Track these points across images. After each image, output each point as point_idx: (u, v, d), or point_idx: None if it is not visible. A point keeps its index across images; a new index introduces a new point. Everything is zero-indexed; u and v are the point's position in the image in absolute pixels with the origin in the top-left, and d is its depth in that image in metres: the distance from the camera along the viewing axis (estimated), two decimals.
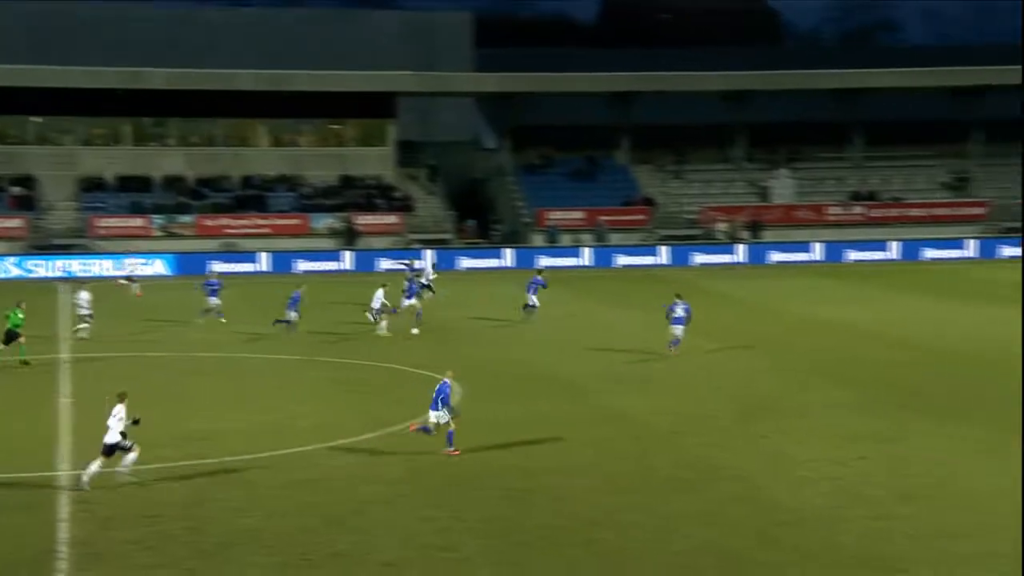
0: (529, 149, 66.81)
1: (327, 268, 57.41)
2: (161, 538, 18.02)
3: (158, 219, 59.90)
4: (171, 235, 59.33)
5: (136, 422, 20.35)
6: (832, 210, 63.63)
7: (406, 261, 46.44)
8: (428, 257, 44.94)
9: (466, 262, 58.40)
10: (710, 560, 17.06)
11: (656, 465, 21.90)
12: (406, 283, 38.65)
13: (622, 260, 58.90)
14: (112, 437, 20.02)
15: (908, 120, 67.72)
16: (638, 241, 61.25)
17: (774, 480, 20.81)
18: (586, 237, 61.50)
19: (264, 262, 57.28)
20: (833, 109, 67.87)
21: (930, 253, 59.39)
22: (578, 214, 62.47)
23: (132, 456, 20.17)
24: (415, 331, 36.36)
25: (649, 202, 64.14)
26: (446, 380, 23.08)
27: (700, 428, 24.58)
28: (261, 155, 65.32)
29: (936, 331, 36.40)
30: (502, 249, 59.88)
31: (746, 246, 60.22)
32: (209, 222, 60.23)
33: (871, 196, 64.39)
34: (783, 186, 65.31)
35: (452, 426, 22.66)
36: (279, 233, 60.33)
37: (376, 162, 65.74)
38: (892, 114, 67.05)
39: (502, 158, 67.05)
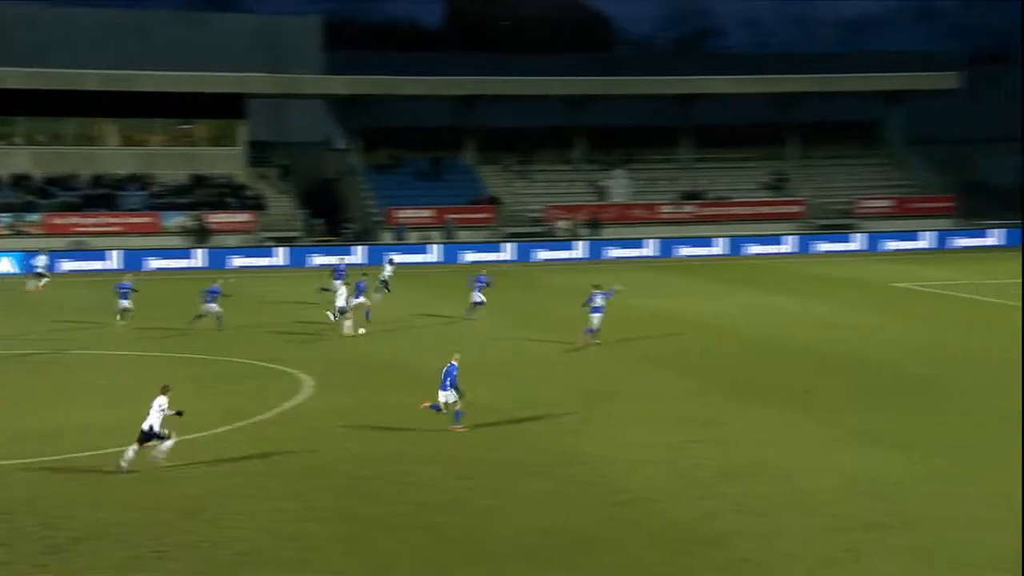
0: (379, 150, 66.52)
1: (178, 266, 56.28)
2: (12, 534, 17.42)
3: (5, 218, 57.85)
4: (19, 233, 57.35)
5: (179, 414, 20.62)
6: (664, 208, 64.95)
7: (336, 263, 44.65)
8: (386, 258, 44.83)
9: (318, 259, 57.93)
10: (552, 539, 17.28)
11: (501, 451, 22.06)
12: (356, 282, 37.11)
13: (469, 256, 59.10)
14: (147, 425, 20.18)
15: (733, 124, 69.58)
16: (485, 238, 61.56)
17: (613, 463, 21.17)
18: (435, 234, 61.56)
19: (115, 260, 55.80)
20: (665, 113, 69.31)
21: (753, 248, 61.11)
22: (427, 212, 62.50)
23: (168, 444, 20.39)
24: (362, 330, 35.07)
25: (495, 201, 64.49)
26: (453, 362, 23.43)
27: (544, 415, 24.83)
28: (111, 154, 63.47)
29: (758, 321, 37.47)
30: (353, 246, 59.51)
31: (586, 242, 61.07)
32: (58, 220, 58.43)
33: (699, 195, 65.94)
34: (619, 186, 66.41)
35: (459, 406, 23.20)
36: (130, 231, 58.83)
37: (227, 161, 64.60)
38: (718, 118, 68.78)
39: (352, 158, 66.59)
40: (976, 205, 65.97)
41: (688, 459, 21.35)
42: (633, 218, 64.21)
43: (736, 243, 61.30)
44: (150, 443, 20.29)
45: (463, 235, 61.52)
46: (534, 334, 34.99)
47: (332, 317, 35.26)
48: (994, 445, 22.13)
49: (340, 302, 35.15)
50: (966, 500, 18.82)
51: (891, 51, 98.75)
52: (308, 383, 28.19)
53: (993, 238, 62.30)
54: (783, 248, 61.66)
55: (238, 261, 57.42)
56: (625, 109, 69.76)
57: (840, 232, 63.03)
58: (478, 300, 38.06)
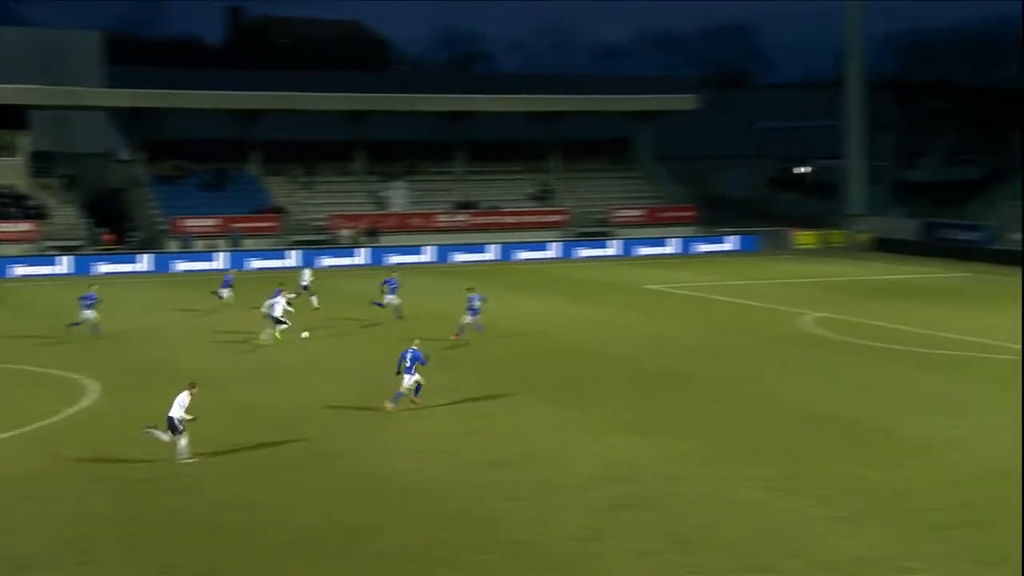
0: (164, 161, 64.21)
1: None
2: None
3: None
4: None
5: (193, 419, 20.47)
6: (440, 217, 65.17)
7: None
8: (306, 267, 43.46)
9: (104, 267, 55.47)
10: (329, 531, 16.99)
11: (282, 450, 21.58)
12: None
13: (255, 263, 57.77)
14: (175, 412, 20.29)
15: (502, 140, 70.54)
16: (270, 246, 60.30)
17: (393, 456, 21.02)
18: (220, 243, 59.87)
19: None
20: (440, 128, 69.59)
21: (522, 255, 62.02)
22: (212, 222, 60.75)
23: (184, 441, 20.33)
24: (305, 334, 33.24)
25: (280, 210, 63.24)
26: (415, 348, 24.37)
27: (323, 413, 24.44)
28: None
29: (530, 322, 38.00)
30: (138, 255, 57.27)
31: (367, 249, 60.61)
32: None
33: (472, 205, 66.48)
34: (399, 196, 66.25)
35: (422, 381, 24.28)
36: None
37: (8, 172, 61.09)
38: (489, 134, 69.59)
39: (137, 169, 64.06)
40: (715, 214, 68.99)
41: (462, 451, 21.42)
42: (411, 227, 64.17)
43: (506, 250, 62.08)
44: (180, 431, 20.30)
45: (249, 243, 60.10)
46: (320, 336, 34.41)
47: (273, 329, 33.36)
48: (735, 430, 23.10)
49: (277, 312, 33.35)
50: (705, 480, 19.55)
51: (641, 75, 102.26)
52: (93, 388, 26.86)
53: (730, 244, 65.23)
54: (549, 254, 62.82)
55: (20, 270, 54.39)
56: (403, 125, 69.67)
57: (599, 239, 64.75)
58: (388, 302, 37.32)
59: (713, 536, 16.68)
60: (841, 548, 16.14)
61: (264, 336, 33.24)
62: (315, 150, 66.95)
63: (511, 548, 16.32)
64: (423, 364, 24.49)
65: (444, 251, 61.24)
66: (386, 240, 62.36)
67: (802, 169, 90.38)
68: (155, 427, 20.55)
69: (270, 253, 59.11)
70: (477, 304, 33.46)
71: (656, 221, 66.90)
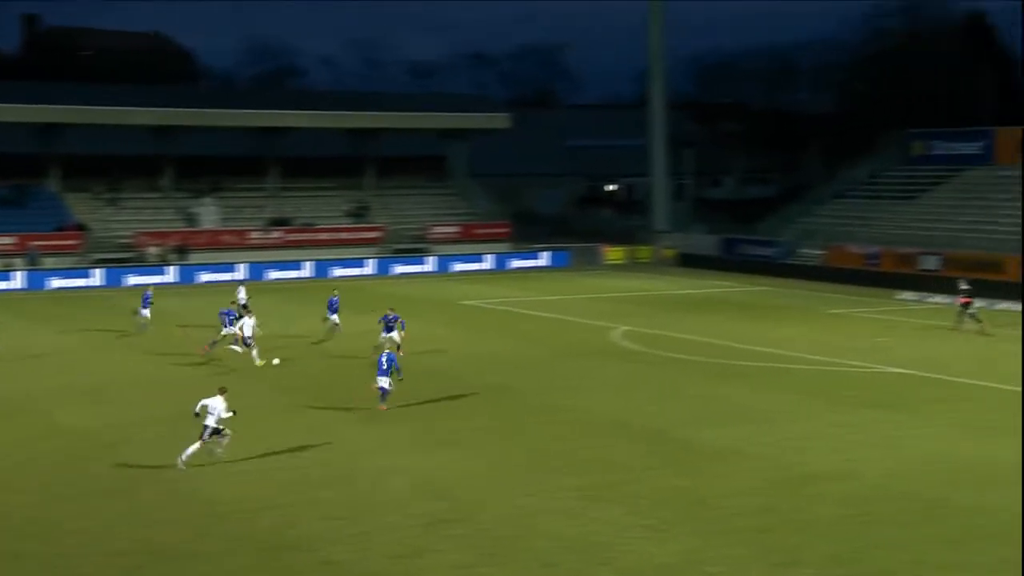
0: None
1: None
2: None
3: None
4: None
5: (233, 413, 21.51)
6: (253, 234, 64.05)
7: None
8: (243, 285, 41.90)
9: None
10: (143, 556, 16.59)
11: (96, 474, 20.89)
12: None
13: (55, 283, 55.43)
14: (211, 421, 21.12)
15: (317, 156, 69.89)
16: (71, 264, 57.95)
17: (212, 478, 20.66)
18: (17, 261, 57.19)
19: None
20: (252, 144, 68.42)
21: (338, 271, 61.59)
22: (9, 240, 57.98)
23: (226, 440, 21.39)
24: (276, 361, 31.95)
25: (82, 228, 60.84)
26: (389, 351, 26.82)
27: (142, 435, 23.78)
28: None
29: (346, 339, 37.78)
30: None
31: (176, 267, 58.99)
32: None
33: (287, 222, 65.62)
34: (209, 213, 64.74)
35: (392, 388, 25.72)
36: None
37: None
38: (303, 150, 68.82)
39: None
40: (528, 231, 70.21)
41: (282, 470, 21.22)
42: (223, 244, 62.82)
43: (322, 266, 61.52)
44: (212, 439, 21.24)
45: (49, 261, 57.60)
46: (134, 356, 33.35)
47: (238, 349, 32.41)
48: (550, 442, 23.65)
49: (247, 331, 32.14)
50: (521, 492, 19.98)
51: (454, 93, 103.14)
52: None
53: (543, 260, 66.49)
54: (365, 271, 62.58)
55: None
56: (213, 140, 68.15)
57: (415, 255, 64.95)
58: (333, 322, 36.73)
59: (527, 547, 17.09)
60: (649, 556, 16.80)
61: (256, 358, 32.00)
62: (120, 165, 64.74)
63: (327, 569, 16.31)
64: (398, 372, 26.03)
65: (258, 268, 60.21)
66: (196, 258, 60.86)
67: (610, 187, 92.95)
68: (187, 452, 21.21)
69: (72, 272, 56.87)
70: (392, 322, 32.85)
71: (471, 237, 67.58)
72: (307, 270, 61.28)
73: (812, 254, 58.93)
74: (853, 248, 56.72)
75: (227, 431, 21.39)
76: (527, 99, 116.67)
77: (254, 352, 32.35)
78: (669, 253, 66.91)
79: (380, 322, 33.68)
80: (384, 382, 25.69)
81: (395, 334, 32.94)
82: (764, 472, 21.12)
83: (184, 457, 21.03)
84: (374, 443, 23.34)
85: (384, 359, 26.10)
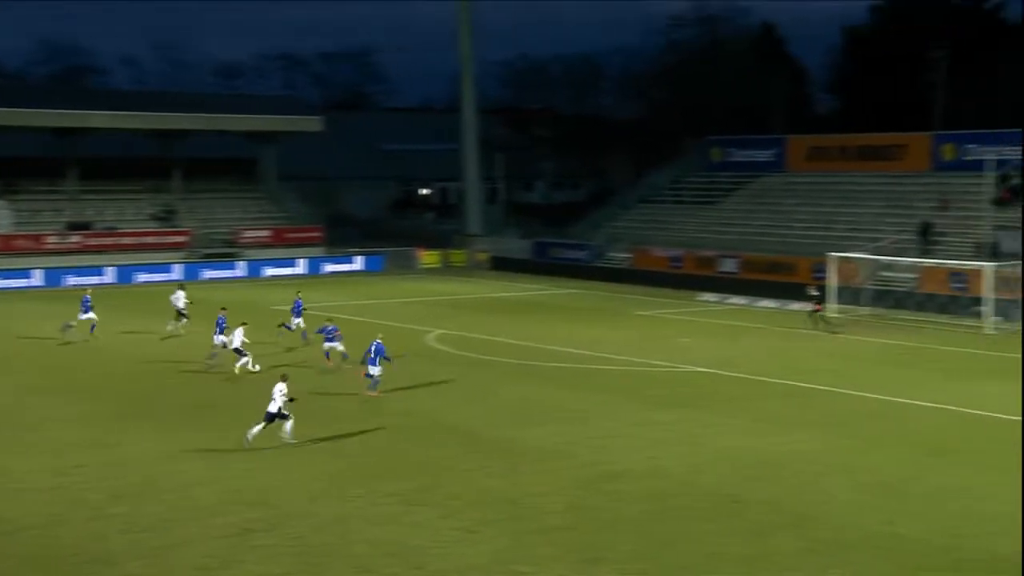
0: None
1: None
2: None
3: None
4: None
5: (292, 400, 22.70)
6: (50, 239, 61.14)
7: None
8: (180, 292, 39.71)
9: None
10: None
11: None
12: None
13: None
14: (274, 407, 22.54)
15: (120, 157, 67.28)
16: None
17: (7, 494, 19.54)
18: None
19: None
20: (48, 145, 65.30)
21: (142, 277, 59.46)
22: None
23: (290, 424, 22.75)
24: (257, 367, 31.02)
25: None
26: (379, 341, 27.28)
27: None
28: None
29: (146, 345, 36.52)
30: None
31: None
32: None
33: (87, 226, 62.92)
34: (1, 217, 61.44)
35: (381, 375, 26.96)
36: None
37: None
38: (105, 151, 66.14)
39: None
40: (342, 235, 69.52)
41: (75, 484, 20.29)
42: (17, 248, 59.73)
43: (125, 272, 59.27)
44: (274, 423, 22.56)
45: None
46: None
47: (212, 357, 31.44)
48: (371, 445, 23.44)
49: (236, 343, 30.91)
50: (339, 498, 19.73)
51: (265, 95, 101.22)
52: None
53: (357, 264, 65.93)
54: (172, 276, 60.52)
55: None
56: (5, 140, 64.75)
57: (225, 260, 63.34)
58: (295, 325, 36.14)
59: (342, 554, 16.89)
60: (461, 557, 16.85)
61: (239, 367, 30.90)
62: None
63: None
64: (386, 359, 27.26)
65: (55, 274, 57.52)
66: None
67: (424, 191, 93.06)
68: (251, 432, 22.50)
69: None
70: (334, 334, 31.88)
71: (284, 242, 66.39)
72: (109, 276, 58.94)
73: (620, 257, 60.47)
74: (658, 251, 58.50)
75: (290, 415, 22.75)
76: (339, 102, 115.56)
77: (243, 360, 31.08)
78: (482, 257, 67.45)
79: (319, 333, 32.77)
80: (374, 370, 27.15)
81: (337, 344, 32.05)
82: (573, 471, 21.50)
83: (250, 436, 22.44)
84: (171, 453, 22.61)
85: (372, 348, 27.36)
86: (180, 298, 39.27)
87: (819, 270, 47.82)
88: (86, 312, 37.26)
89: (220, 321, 32.44)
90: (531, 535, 17.83)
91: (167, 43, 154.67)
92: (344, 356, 31.87)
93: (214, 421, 25.51)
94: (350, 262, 65.72)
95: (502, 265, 64.99)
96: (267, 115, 69.86)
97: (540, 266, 63.06)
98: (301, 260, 64.33)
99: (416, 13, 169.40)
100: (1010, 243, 45.68)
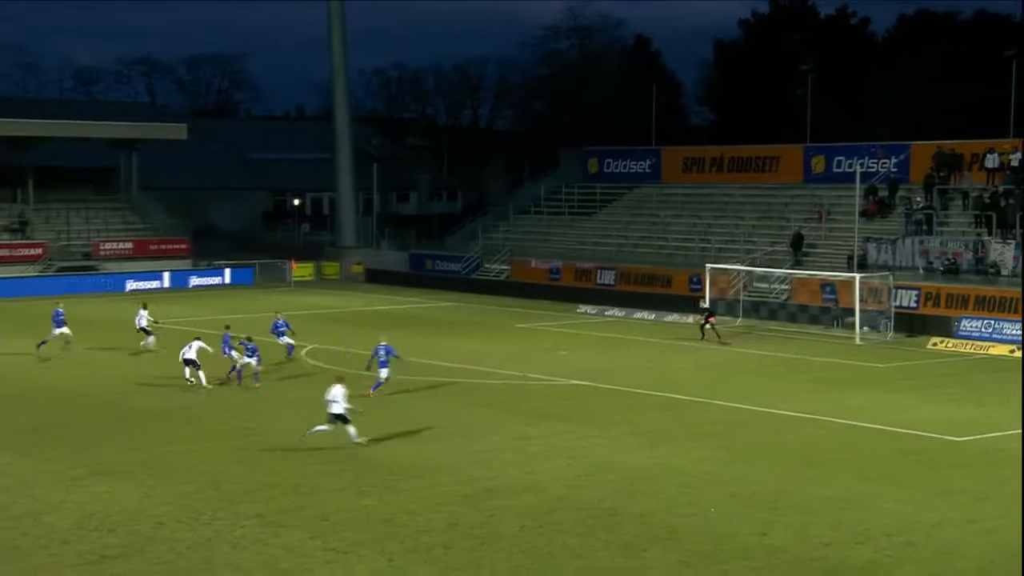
0: None
1: None
2: None
3: None
4: None
5: (352, 408, 24.14)
6: None
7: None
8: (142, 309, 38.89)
9: None
10: None
11: None
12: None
13: None
14: (338, 409, 23.89)
15: None
16: None
17: None
18: None
19: None
20: None
21: None
22: None
23: (352, 427, 24.02)
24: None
25: None
26: (385, 343, 28.84)
27: None
28: None
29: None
30: None
31: None
32: None
33: None
34: None
35: (390, 378, 28.77)
36: None
37: None
38: None
39: None
40: (210, 247, 68.27)
41: None
42: None
43: None
44: (336, 425, 23.93)
45: None
46: None
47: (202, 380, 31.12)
48: (227, 467, 23.05)
49: (191, 353, 31.13)
50: (201, 521, 19.37)
51: (126, 101, 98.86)
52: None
53: (225, 277, 64.79)
54: (26, 290, 58.65)
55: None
56: None
57: (83, 273, 61.56)
58: (289, 344, 36.28)
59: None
60: None
61: (194, 380, 31.24)
62: None
63: None
64: (396, 356, 29.05)
65: None
66: None
67: (297, 201, 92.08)
68: (314, 429, 23.96)
69: None
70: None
71: (147, 254, 64.89)
72: None
73: (497, 269, 60.82)
74: (536, 263, 59.04)
75: (350, 417, 24.08)
76: (206, 109, 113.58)
77: (199, 373, 31.37)
78: (357, 269, 67.06)
79: (240, 345, 32.45)
80: (384, 372, 29.00)
81: (254, 360, 32.00)
82: (450, 487, 21.54)
83: (310, 431, 24.03)
84: (18, 478, 21.90)
85: (382, 351, 29.23)
86: (143, 317, 38.73)
87: (696, 282, 48.96)
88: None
89: (225, 339, 32.57)
90: (407, 554, 17.80)
91: (15, 46, 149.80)
92: (256, 376, 31.86)
93: (61, 442, 24.78)
94: (218, 275, 64.58)
95: (377, 278, 64.72)
96: (127, 122, 68.23)
97: (416, 279, 63.00)
98: (165, 273, 62.96)
99: (286, 17, 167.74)
100: (877, 255, 47.50)
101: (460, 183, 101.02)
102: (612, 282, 55.15)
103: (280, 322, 37.08)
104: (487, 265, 61.77)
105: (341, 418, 24.06)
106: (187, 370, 31.63)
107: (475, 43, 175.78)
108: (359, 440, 24.19)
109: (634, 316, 48.32)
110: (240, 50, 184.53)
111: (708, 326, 41.54)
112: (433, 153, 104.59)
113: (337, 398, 24.02)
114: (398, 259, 66.97)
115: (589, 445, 25.18)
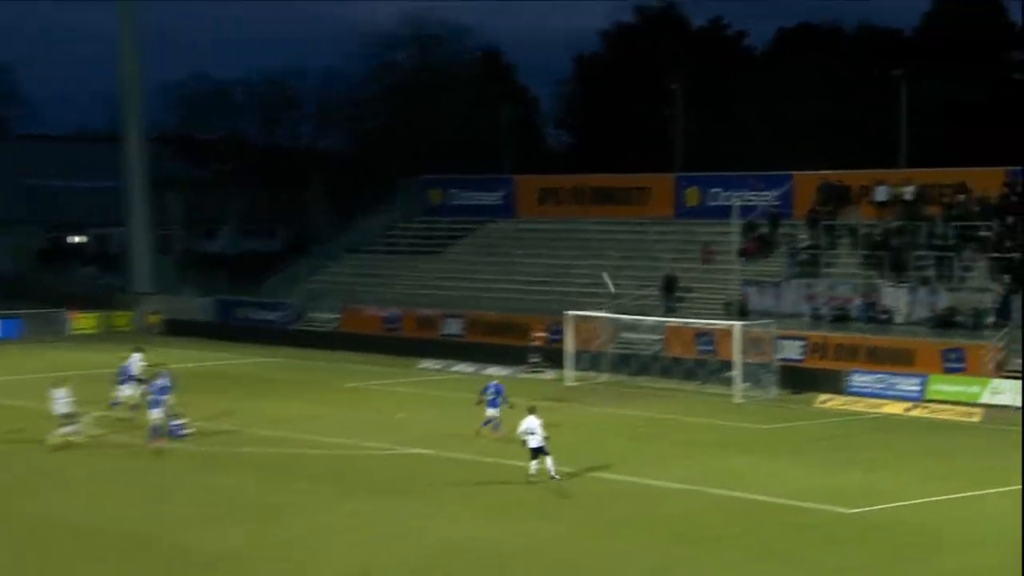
0: None
1: None
2: None
3: None
4: None
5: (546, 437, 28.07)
6: None
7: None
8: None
9: None
10: None
11: None
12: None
13: None
14: (536, 441, 27.56)
15: None
16: None
17: None
18: None
19: None
20: None
21: None
22: None
23: (550, 459, 27.78)
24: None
25: None
26: (496, 382, 34.06)
27: None
28: None
29: None
30: None
31: None
32: None
33: None
34: None
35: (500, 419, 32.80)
36: None
37: None
38: None
39: None
40: None
41: None
42: None
43: None
44: (539, 458, 27.68)
45: None
46: None
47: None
48: (10, 559, 22.53)
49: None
50: None
51: None
52: None
53: None
54: None
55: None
56: None
57: None
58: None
59: None
60: None
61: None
62: None
63: None
64: (505, 401, 33.04)
65: None
66: None
67: (78, 238, 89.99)
68: (532, 468, 27.72)
69: None
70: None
71: None
72: None
73: (324, 318, 60.67)
74: (370, 310, 59.14)
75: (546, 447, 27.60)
76: None
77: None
78: (153, 320, 66.00)
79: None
80: (492, 412, 32.96)
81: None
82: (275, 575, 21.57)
83: (533, 471, 27.64)
84: None
85: (492, 388, 33.85)
86: (135, 361, 39.86)
87: (556, 331, 49.81)
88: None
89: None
90: None
91: None
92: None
93: None
94: None
95: (178, 329, 63.79)
96: None
97: (226, 330, 62.32)
98: None
99: (66, 20, 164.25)
100: (759, 300, 49.18)
101: (279, 216, 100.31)
102: (460, 332, 55.64)
103: (131, 367, 37.93)
104: (312, 314, 61.54)
105: (541, 451, 27.75)
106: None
107: (292, 52, 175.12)
108: (556, 475, 27.98)
109: (485, 372, 48.86)
110: (4, 57, 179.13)
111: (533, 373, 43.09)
112: (245, 179, 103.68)
113: (535, 430, 27.74)
114: (203, 307, 66.13)
115: (432, 524, 25.46)
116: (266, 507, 26.73)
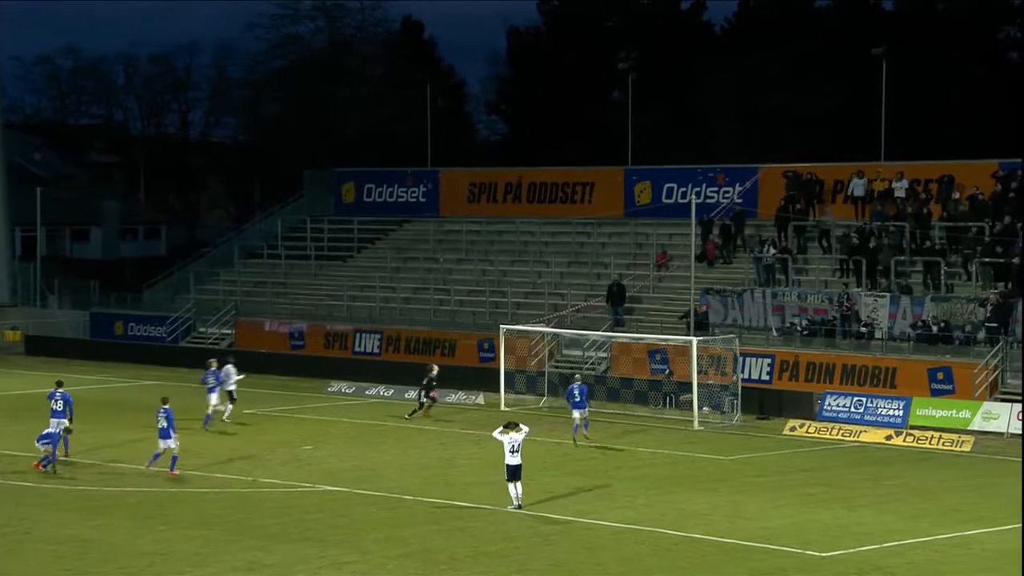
0: None
1: None
2: None
3: None
4: None
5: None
6: None
7: None
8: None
9: None
10: None
11: None
12: None
13: None
14: (515, 460, 30.29)
15: None
16: None
17: None
18: None
19: None
20: None
21: None
22: None
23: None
24: None
25: None
26: (580, 383, 39.22)
27: None
28: None
29: None
30: None
31: None
32: None
33: None
34: None
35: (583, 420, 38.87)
36: None
37: None
38: None
39: None
40: None
41: None
42: None
43: None
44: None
45: None
46: None
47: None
48: None
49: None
50: None
51: None
52: None
53: None
54: None
55: None
56: None
57: None
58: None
59: None
60: None
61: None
62: None
63: None
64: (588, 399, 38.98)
65: None
66: None
67: None
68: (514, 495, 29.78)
69: None
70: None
71: None
72: None
73: (217, 334, 60.22)
74: (271, 325, 58.79)
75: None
76: None
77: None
78: (12, 336, 65.35)
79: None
80: (578, 414, 38.39)
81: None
82: None
83: (516, 500, 30.11)
84: None
85: (576, 390, 38.64)
86: (231, 374, 43.50)
87: (488, 348, 49.77)
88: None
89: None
90: None
91: None
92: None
93: None
94: None
95: (43, 348, 63.17)
96: None
97: (101, 348, 61.78)
98: None
99: None
100: (720, 311, 49.34)
101: (164, 215, 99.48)
102: (376, 350, 55.46)
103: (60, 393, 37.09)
104: (202, 328, 61.11)
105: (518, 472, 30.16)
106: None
107: (180, 24, 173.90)
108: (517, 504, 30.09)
109: (406, 396, 48.65)
110: None
111: (428, 400, 43.41)
112: (124, 173, 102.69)
113: (516, 447, 30.12)
114: (74, 321, 65.49)
115: (344, 575, 25.23)
116: (141, 557, 26.36)
